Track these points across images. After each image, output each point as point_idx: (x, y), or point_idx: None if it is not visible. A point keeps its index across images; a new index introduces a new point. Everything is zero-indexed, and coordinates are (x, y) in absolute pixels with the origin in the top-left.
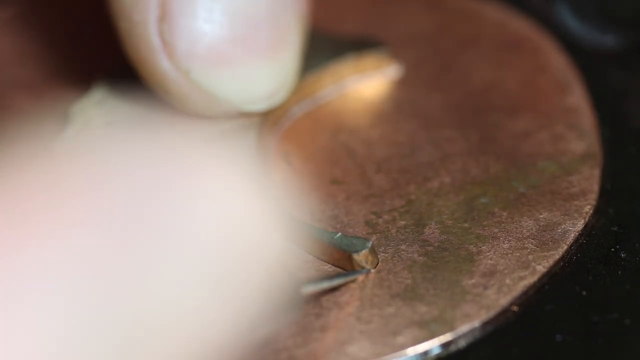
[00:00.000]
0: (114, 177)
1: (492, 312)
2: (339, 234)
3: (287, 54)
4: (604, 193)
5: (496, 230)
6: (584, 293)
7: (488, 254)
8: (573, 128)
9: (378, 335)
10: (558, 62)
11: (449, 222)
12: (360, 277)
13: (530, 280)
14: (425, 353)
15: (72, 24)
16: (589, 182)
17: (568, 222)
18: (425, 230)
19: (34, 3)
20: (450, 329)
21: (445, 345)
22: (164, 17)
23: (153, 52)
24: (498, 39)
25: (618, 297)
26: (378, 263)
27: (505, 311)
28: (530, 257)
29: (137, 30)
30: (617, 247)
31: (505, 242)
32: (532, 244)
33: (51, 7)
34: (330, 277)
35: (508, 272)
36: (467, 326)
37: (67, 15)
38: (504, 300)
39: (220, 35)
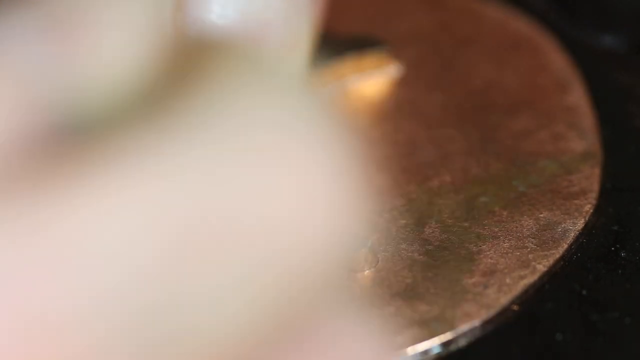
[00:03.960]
0: None
1: (492, 311)
2: None
3: (295, 59)
4: (604, 192)
5: (496, 230)
6: (584, 292)
7: (488, 253)
8: (573, 127)
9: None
10: (558, 61)
11: (450, 221)
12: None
13: (531, 279)
14: (426, 352)
15: None
16: (589, 181)
17: (568, 221)
18: (425, 229)
19: None
20: (451, 328)
21: (445, 345)
22: (177, 6)
23: None
24: (498, 38)
25: (618, 296)
26: (378, 262)
27: (505, 310)
28: (530, 256)
29: None
30: (617, 246)
31: (506, 241)
32: (532, 243)
33: None
34: None
35: (508, 271)
36: (467, 325)
37: None
38: (504, 300)
39: (231, 33)
